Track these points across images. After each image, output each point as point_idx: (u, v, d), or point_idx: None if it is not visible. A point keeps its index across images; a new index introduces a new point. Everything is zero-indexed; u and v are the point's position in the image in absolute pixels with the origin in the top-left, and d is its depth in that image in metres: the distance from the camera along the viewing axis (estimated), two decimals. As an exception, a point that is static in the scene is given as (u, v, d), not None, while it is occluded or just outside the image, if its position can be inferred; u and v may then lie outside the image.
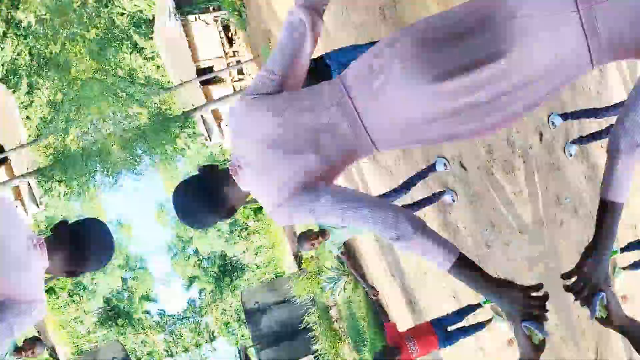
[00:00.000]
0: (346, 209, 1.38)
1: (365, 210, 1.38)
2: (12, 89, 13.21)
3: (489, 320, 5.08)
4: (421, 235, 1.35)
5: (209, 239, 21.93)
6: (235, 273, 22.28)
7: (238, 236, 21.12)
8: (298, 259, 14.45)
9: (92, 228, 1.65)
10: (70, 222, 1.68)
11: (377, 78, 1.36)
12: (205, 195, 1.50)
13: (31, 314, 1.54)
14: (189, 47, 13.93)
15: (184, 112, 13.84)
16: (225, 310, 23.75)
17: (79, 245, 1.62)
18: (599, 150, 3.38)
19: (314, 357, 13.93)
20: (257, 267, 21.51)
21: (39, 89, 13.29)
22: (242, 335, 22.47)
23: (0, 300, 1.49)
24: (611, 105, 3.01)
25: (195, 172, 1.60)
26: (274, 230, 17.85)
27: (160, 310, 25.74)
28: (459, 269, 1.34)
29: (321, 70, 3.68)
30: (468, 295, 5.15)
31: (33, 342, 3.92)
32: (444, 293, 5.95)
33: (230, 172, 1.47)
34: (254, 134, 1.45)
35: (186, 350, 24.72)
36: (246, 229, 20.60)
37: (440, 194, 4.52)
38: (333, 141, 1.41)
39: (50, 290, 17.36)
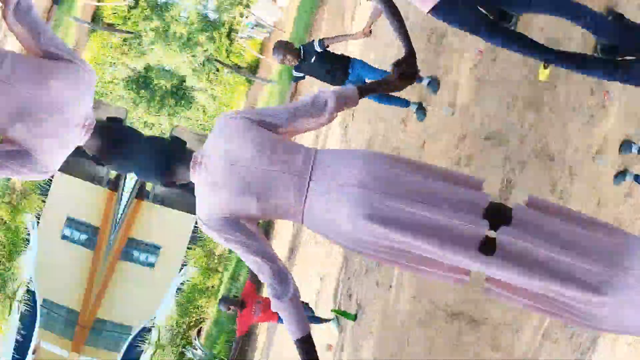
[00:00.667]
0: (250, 252, 1.57)
1: (266, 263, 1.57)
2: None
3: (327, 320, 5.54)
4: (294, 303, 1.56)
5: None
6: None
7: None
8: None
9: (146, 146, 1.65)
10: (129, 126, 1.77)
11: (333, 182, 1.53)
12: (162, 159, 1.63)
13: (38, 175, 1.61)
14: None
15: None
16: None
17: (119, 150, 1.65)
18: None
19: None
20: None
21: None
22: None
23: (25, 149, 1.54)
24: None
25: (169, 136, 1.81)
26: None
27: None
28: (301, 344, 1.56)
29: (340, 70, 4.00)
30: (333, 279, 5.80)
31: None
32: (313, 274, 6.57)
33: (192, 159, 1.60)
34: (231, 151, 1.56)
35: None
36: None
37: None
38: (277, 200, 1.56)
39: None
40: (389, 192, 1.47)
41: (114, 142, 1.64)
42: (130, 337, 16.32)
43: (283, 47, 3.87)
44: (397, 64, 1.61)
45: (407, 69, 1.60)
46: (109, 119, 1.83)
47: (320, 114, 1.63)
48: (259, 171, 1.54)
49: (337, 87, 1.72)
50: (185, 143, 1.66)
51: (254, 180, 1.54)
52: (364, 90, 1.73)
